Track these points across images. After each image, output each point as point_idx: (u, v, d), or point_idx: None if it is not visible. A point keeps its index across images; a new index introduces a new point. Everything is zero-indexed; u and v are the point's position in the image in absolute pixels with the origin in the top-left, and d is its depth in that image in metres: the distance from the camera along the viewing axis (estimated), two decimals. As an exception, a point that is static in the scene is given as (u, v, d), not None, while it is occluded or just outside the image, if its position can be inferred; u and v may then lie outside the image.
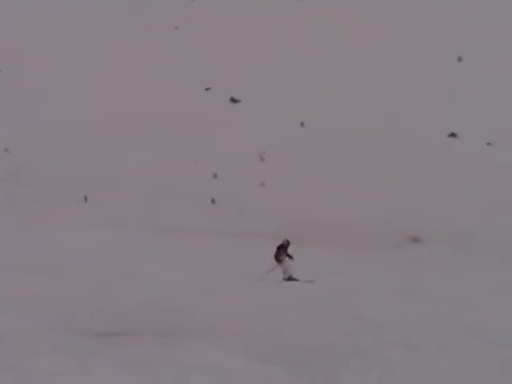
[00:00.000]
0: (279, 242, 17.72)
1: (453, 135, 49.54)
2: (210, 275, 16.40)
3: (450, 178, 40.97)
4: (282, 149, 45.66)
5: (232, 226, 29.53)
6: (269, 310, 12.59)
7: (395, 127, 48.85)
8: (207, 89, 58.68)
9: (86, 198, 32.38)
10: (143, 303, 12.06)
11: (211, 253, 21.42)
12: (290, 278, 16.95)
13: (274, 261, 17.13)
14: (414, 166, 43.14)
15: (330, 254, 24.75)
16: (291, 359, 9.01)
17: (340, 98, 52.89)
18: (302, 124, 50.52)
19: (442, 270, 22.21)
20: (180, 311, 11.67)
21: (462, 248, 28.95)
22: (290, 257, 17.24)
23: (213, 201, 35.84)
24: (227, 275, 16.87)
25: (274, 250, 17.15)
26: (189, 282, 15.17)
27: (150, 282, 14.67)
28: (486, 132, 48.04)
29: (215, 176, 41.84)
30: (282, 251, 17.23)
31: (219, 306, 12.80)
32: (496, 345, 10.47)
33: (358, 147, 45.73)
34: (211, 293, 14.15)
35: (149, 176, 40.48)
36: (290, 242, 17.48)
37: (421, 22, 63.30)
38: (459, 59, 59.11)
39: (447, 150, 45.96)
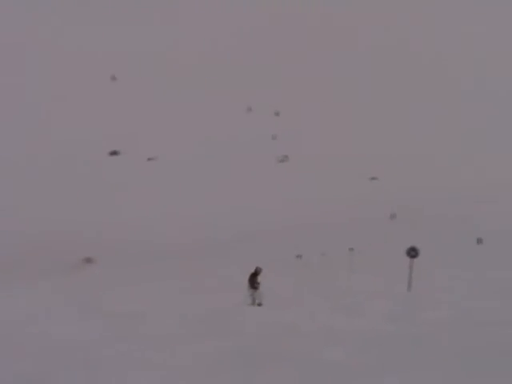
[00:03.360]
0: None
1: (114, 153, 50.77)
2: None
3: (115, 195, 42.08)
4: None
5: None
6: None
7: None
8: None
9: None
10: None
11: None
12: (260, 304, 17.01)
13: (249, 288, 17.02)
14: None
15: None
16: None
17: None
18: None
19: (115, 289, 22.99)
20: None
21: (133, 264, 30.27)
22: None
23: None
24: None
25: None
26: None
27: None
28: (147, 148, 50.42)
29: None
30: (255, 278, 16.96)
31: None
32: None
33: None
34: None
35: None
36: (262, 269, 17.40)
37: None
38: (113, 78, 60.93)
39: (111, 166, 47.24)
